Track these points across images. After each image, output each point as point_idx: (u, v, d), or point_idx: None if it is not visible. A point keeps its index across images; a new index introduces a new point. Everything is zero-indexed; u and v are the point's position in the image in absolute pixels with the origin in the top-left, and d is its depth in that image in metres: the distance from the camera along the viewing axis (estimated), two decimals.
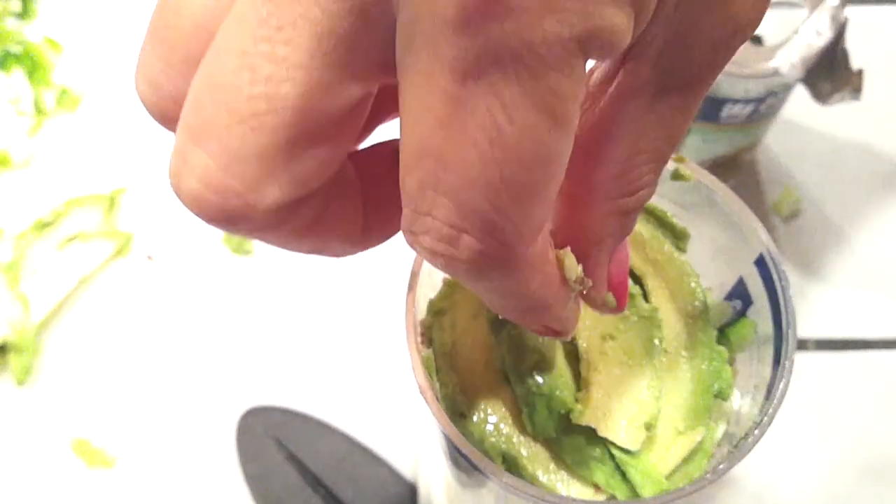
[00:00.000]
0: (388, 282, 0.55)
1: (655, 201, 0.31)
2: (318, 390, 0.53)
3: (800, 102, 0.52)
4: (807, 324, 0.53)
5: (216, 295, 0.55)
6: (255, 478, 0.52)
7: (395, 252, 0.55)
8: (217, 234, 0.56)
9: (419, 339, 0.29)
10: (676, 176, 0.30)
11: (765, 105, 0.48)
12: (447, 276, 0.31)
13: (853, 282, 0.55)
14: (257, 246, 0.56)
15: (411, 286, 0.28)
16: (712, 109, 0.48)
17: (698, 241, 0.31)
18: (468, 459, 0.27)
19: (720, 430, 0.30)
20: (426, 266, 0.29)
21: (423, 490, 0.50)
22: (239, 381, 0.53)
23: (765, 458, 0.50)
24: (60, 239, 0.56)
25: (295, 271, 0.56)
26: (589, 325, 0.29)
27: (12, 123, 0.59)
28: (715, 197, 0.30)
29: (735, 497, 0.50)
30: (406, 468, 0.51)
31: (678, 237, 0.31)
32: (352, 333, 0.54)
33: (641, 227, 0.31)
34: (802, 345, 0.52)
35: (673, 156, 0.30)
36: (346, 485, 0.51)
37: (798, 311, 0.32)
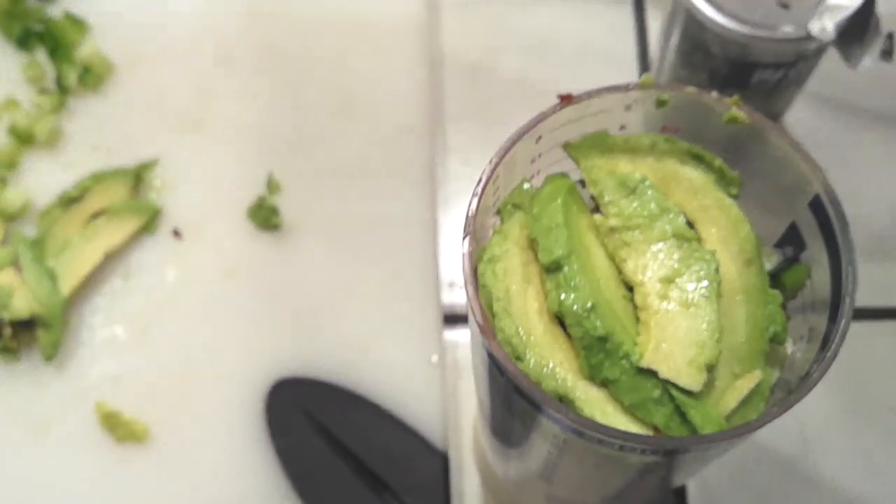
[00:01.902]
0: (416, 249, 0.55)
1: (706, 147, 0.31)
2: (348, 361, 0.53)
3: (824, 75, 0.52)
4: None
5: (243, 268, 0.55)
6: (285, 450, 0.52)
7: (422, 222, 0.55)
8: (242, 210, 0.56)
9: (476, 282, 0.29)
10: (730, 119, 0.30)
11: (794, 70, 0.49)
12: (499, 223, 0.32)
13: (879, 252, 0.55)
14: (284, 220, 0.56)
15: (467, 231, 0.28)
16: (743, 75, 0.48)
17: (748, 186, 0.32)
18: (530, 399, 0.27)
19: (775, 375, 0.30)
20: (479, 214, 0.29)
21: (454, 459, 0.50)
22: (268, 353, 0.53)
23: (797, 426, 0.50)
24: (87, 214, 0.56)
25: (322, 244, 0.56)
26: (648, 269, 0.29)
27: (36, 101, 0.59)
28: (769, 140, 0.30)
29: (768, 465, 0.50)
30: (437, 438, 0.51)
31: (730, 183, 0.31)
32: (380, 304, 0.54)
33: (693, 174, 0.31)
34: None
35: (727, 99, 0.30)
36: (378, 456, 0.51)
37: None
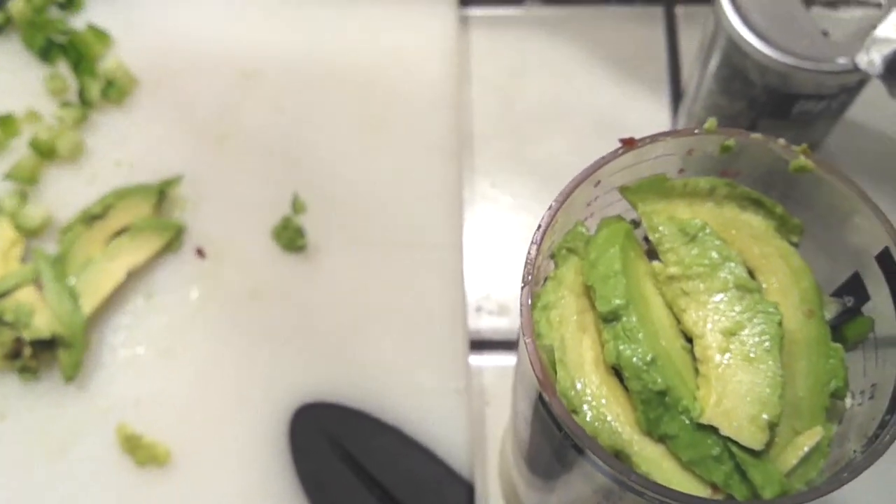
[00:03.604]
0: (443, 272, 0.55)
1: (765, 191, 0.30)
2: (372, 385, 0.52)
3: (862, 102, 0.51)
4: None
5: (267, 289, 0.55)
6: (308, 475, 0.51)
7: (449, 244, 0.54)
8: (267, 229, 0.56)
9: (533, 332, 0.28)
10: (798, 168, 0.29)
11: (837, 102, 0.48)
12: (552, 270, 0.31)
13: None
14: (310, 242, 0.55)
15: (526, 280, 0.28)
16: (783, 106, 0.48)
17: (808, 234, 0.31)
18: (590, 458, 0.26)
19: (833, 430, 0.30)
20: (537, 259, 0.28)
21: (479, 488, 0.50)
22: (291, 377, 0.53)
23: None
24: (109, 231, 0.55)
25: (347, 266, 0.55)
26: (709, 321, 0.28)
27: (58, 114, 0.58)
28: (835, 189, 0.29)
29: None
30: (462, 465, 0.50)
31: (791, 231, 0.30)
32: (405, 327, 0.54)
33: (754, 220, 0.30)
34: None
35: (795, 147, 0.29)
36: (401, 483, 0.50)
37: None
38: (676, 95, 0.59)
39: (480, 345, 0.54)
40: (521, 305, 0.27)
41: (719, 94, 0.51)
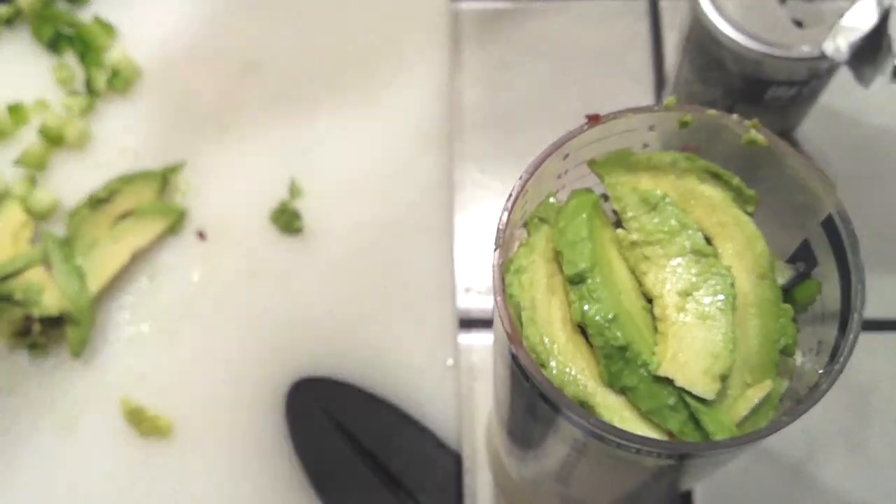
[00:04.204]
0: (433, 254, 0.57)
1: (724, 165, 0.33)
2: (366, 362, 0.54)
3: (837, 89, 0.53)
4: None
5: (265, 270, 0.57)
6: (304, 447, 0.53)
7: (440, 228, 0.57)
8: (265, 213, 0.58)
9: (504, 292, 0.30)
10: (749, 142, 0.31)
11: (808, 88, 0.50)
12: (526, 235, 0.33)
13: (887, 264, 0.56)
14: (306, 224, 0.58)
15: (497, 243, 0.30)
16: (757, 91, 0.50)
17: (764, 204, 0.33)
18: (554, 404, 0.28)
19: (784, 385, 0.32)
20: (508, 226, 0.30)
21: (468, 459, 0.52)
22: (288, 353, 0.55)
23: (803, 434, 0.52)
24: (114, 215, 0.57)
25: (341, 249, 0.57)
26: (667, 283, 0.31)
27: (66, 103, 0.61)
28: (785, 161, 0.31)
29: (773, 471, 0.51)
30: (451, 438, 0.53)
31: (746, 201, 0.33)
32: (398, 307, 0.56)
33: (712, 191, 0.33)
34: None
35: (747, 122, 0.31)
36: (394, 455, 0.53)
37: None
38: (660, 85, 0.62)
39: (469, 324, 0.56)
40: (493, 267, 0.30)
41: (696, 81, 0.53)
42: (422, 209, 0.58)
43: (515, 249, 0.33)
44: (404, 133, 0.61)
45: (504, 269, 0.32)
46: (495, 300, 0.30)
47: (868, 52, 0.46)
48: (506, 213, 0.30)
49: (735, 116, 0.31)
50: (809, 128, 0.58)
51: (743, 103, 0.51)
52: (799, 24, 0.49)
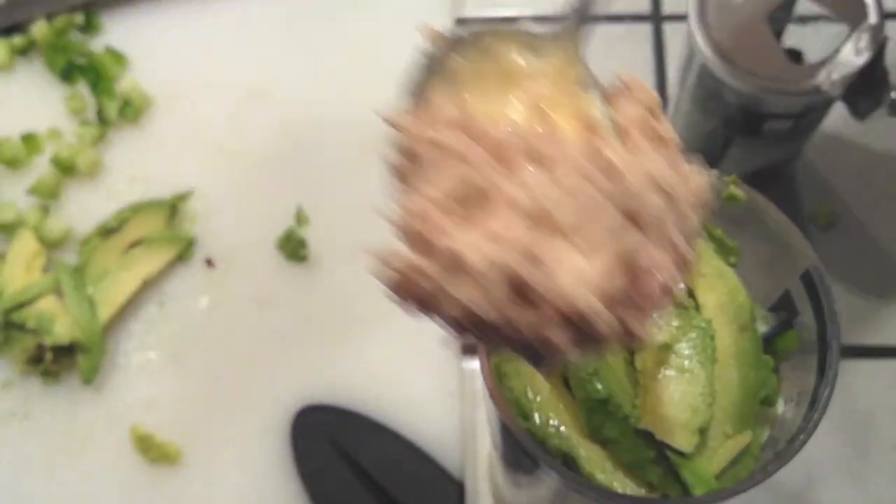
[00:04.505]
0: None
1: (710, 218, 0.33)
2: (370, 389, 0.55)
3: (839, 117, 0.54)
4: (841, 331, 0.54)
5: (272, 297, 0.58)
6: (309, 474, 0.54)
7: None
8: (272, 240, 0.59)
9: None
10: (729, 197, 0.32)
11: (805, 121, 0.50)
12: None
13: (887, 290, 0.56)
14: (312, 251, 0.59)
15: None
16: (755, 123, 0.50)
17: (746, 255, 0.33)
18: (532, 458, 0.29)
19: (765, 434, 0.32)
20: None
21: (469, 487, 0.53)
22: (294, 380, 0.56)
23: (802, 461, 0.52)
24: (125, 243, 0.58)
25: (347, 276, 0.58)
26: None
27: (78, 133, 0.62)
28: (764, 216, 0.31)
29: (773, 498, 0.51)
30: (454, 465, 0.53)
31: (728, 253, 0.33)
32: (402, 334, 0.56)
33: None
34: None
35: (726, 177, 0.32)
36: (397, 482, 0.53)
37: None
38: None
39: (472, 351, 0.56)
40: None
41: (696, 112, 0.53)
42: None
43: None
44: None
45: None
46: (479, 354, 0.30)
47: (863, 86, 0.46)
48: None
49: (715, 172, 0.32)
50: (811, 154, 0.58)
51: (742, 134, 0.52)
52: (796, 58, 0.49)
